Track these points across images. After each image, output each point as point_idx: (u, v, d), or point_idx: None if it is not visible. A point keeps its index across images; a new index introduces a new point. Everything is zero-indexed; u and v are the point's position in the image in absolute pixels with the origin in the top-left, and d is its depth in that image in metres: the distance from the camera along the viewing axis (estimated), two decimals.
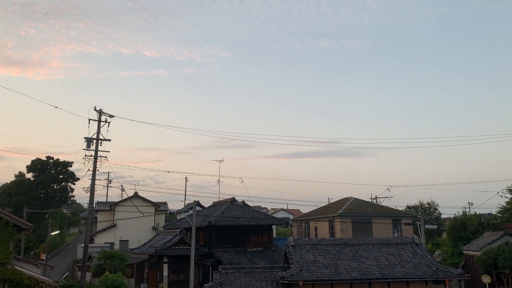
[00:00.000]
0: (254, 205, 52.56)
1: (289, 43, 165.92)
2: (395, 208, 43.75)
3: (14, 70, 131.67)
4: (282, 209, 73.58)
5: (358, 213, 39.27)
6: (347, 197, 43.94)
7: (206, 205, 47.73)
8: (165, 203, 57.45)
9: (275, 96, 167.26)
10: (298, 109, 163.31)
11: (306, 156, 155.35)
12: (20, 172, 54.37)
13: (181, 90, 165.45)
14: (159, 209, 51.03)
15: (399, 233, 38.56)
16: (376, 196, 51.96)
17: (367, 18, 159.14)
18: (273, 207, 75.32)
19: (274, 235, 45.98)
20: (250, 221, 35.30)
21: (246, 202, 43.43)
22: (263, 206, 70.84)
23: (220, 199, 44.71)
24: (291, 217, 61.97)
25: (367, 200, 48.00)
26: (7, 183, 55.32)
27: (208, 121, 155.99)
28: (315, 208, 47.26)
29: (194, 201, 31.92)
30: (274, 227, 44.54)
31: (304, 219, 45.77)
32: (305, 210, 60.82)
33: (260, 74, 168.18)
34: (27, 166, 53.86)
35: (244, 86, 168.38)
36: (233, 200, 39.33)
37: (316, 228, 42.29)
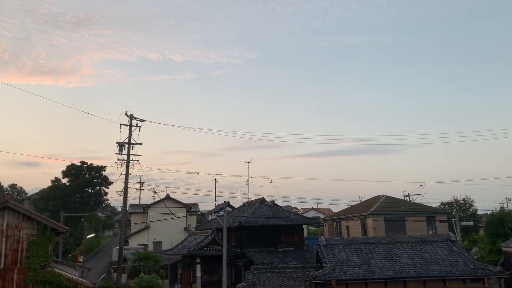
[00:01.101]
0: (284, 205, 52.48)
1: (313, 41, 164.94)
2: (428, 205, 42.76)
3: (47, 79, 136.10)
4: (312, 209, 73.15)
5: (391, 211, 38.59)
6: (379, 195, 43.25)
7: (236, 206, 47.96)
8: (196, 205, 58.10)
9: (301, 94, 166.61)
10: (326, 107, 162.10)
11: (335, 154, 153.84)
12: (56, 178, 56.02)
13: (207, 93, 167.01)
14: (190, 210, 51.65)
15: (434, 231, 37.68)
16: (408, 193, 50.92)
17: (393, 12, 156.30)
18: (303, 207, 74.95)
19: (305, 234, 45.76)
20: (280, 221, 35.26)
21: (276, 202, 43.41)
22: (293, 206, 70.52)
23: (250, 200, 44.85)
24: (322, 216, 61.49)
25: (400, 197, 47.11)
26: (44, 188, 57.09)
27: (236, 122, 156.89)
28: (346, 207, 46.79)
29: (224, 202, 32.14)
30: (305, 226, 44.31)
31: (336, 218, 45.35)
32: (336, 209, 60.31)
33: (286, 73, 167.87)
34: (63, 172, 55.44)
35: (270, 86, 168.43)
36: (262, 200, 39.37)
37: (348, 227, 41.83)
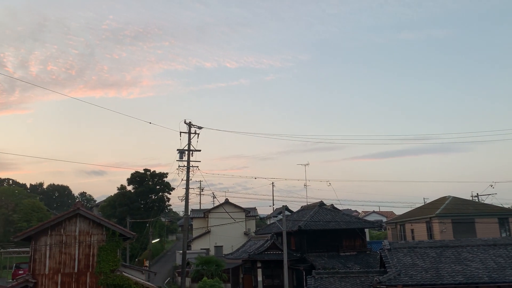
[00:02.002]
0: (344, 208, 51.46)
1: (368, 39, 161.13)
2: (500, 205, 40.13)
3: (110, 91, 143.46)
4: (374, 212, 71.19)
5: (459, 213, 36.61)
6: (445, 196, 41.22)
7: (294, 210, 47.72)
8: (254, 209, 58.51)
9: (358, 94, 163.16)
10: (385, 106, 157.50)
11: (396, 155, 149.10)
12: (121, 185, 58.71)
13: (262, 97, 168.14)
14: (249, 214, 52.07)
15: (507, 233, 35.29)
16: (477, 193, 48.09)
17: (451, 4, 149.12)
18: (364, 210, 73.15)
19: (367, 238, 44.57)
20: (341, 225, 34.62)
21: (335, 206, 42.66)
22: (353, 209, 69.09)
23: (308, 203, 44.43)
24: (384, 219, 59.67)
25: (467, 198, 44.62)
26: (111, 195, 60.02)
27: (291, 126, 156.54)
28: (410, 209, 45.02)
29: (283, 206, 32.09)
30: (366, 230, 43.17)
31: (399, 221, 43.77)
32: (398, 211, 58.24)
33: (340, 73, 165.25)
34: (127, 179, 57.97)
35: (324, 87, 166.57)
36: (321, 203, 38.86)
37: (412, 230, 40.20)
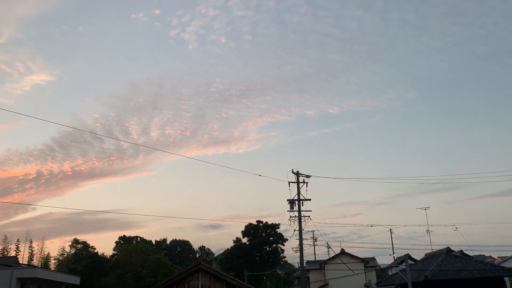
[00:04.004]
0: (475, 254, 46.37)
1: (481, 68, 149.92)
2: None
3: (221, 148, 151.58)
4: None
5: None
6: None
7: (418, 258, 44.25)
8: (373, 259, 55.38)
9: (472, 128, 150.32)
10: (507, 138, 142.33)
11: None
12: (237, 238, 60.25)
13: (369, 140, 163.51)
14: (368, 265, 49.35)
15: None
16: None
17: None
18: (501, 255, 64.80)
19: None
20: (474, 274, 30.93)
21: (465, 252, 38.64)
22: (487, 255, 61.67)
23: (433, 250, 40.84)
24: None
25: None
26: (228, 248, 61.73)
27: (403, 167, 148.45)
28: None
29: (405, 254, 29.89)
30: (506, 279, 37.97)
31: None
32: None
33: (452, 107, 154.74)
34: (242, 231, 59.39)
35: (436, 124, 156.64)
36: (448, 250, 35.42)
37: None
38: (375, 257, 57.73)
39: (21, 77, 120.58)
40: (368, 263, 49.70)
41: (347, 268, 35.95)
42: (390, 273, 55.04)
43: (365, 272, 46.71)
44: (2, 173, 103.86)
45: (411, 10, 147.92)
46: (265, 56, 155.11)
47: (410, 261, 38.90)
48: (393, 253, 62.20)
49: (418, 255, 50.96)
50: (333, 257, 47.46)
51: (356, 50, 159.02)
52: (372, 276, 49.63)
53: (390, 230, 65.89)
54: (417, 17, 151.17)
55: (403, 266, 33.90)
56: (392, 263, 60.41)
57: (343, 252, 46.97)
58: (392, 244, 63.17)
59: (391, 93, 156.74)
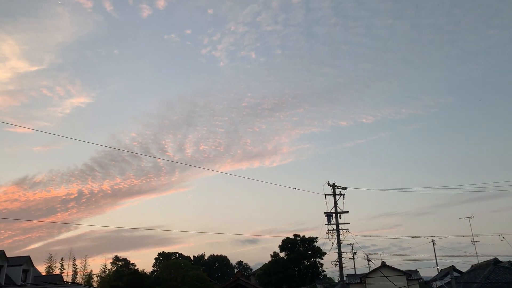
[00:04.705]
0: None
1: None
2: None
3: (255, 162, 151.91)
4: None
5: None
6: None
7: (463, 269, 42.53)
8: (416, 271, 53.62)
9: None
10: None
11: None
12: (274, 252, 59.85)
13: (405, 149, 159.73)
14: (411, 278, 47.83)
15: None
16: None
17: None
18: None
19: None
20: None
21: None
22: None
23: (479, 262, 39.15)
24: None
25: None
26: (265, 263, 61.37)
27: (443, 176, 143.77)
28: None
29: (450, 266, 28.78)
30: None
31: None
32: None
33: (492, 111, 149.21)
34: (279, 246, 58.95)
35: (475, 130, 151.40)
36: (496, 261, 33.89)
37: None
38: (418, 270, 55.88)
39: (62, 100, 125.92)
40: (410, 275, 48.15)
41: (389, 281, 34.98)
42: (434, 286, 53.05)
43: (407, 285, 45.23)
44: (46, 194, 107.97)
45: (443, 15, 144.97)
46: (296, 69, 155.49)
47: (455, 273, 37.39)
48: (437, 265, 59.97)
49: (463, 267, 48.96)
50: (374, 270, 46.28)
51: (388, 58, 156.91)
52: None
53: (433, 241, 63.62)
54: (450, 22, 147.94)
55: (448, 279, 32.69)
56: (436, 275, 58.23)
57: (384, 265, 45.74)
58: (435, 255, 60.98)
59: (427, 100, 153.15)
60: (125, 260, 62.36)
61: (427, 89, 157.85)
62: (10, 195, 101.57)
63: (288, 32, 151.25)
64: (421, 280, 56.23)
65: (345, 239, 29.86)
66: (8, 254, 35.48)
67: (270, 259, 60.16)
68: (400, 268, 47.13)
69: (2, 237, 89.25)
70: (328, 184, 30.12)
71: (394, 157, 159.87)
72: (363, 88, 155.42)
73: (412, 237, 41.55)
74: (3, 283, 33.86)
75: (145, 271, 63.06)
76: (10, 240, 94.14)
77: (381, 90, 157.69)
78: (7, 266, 35.14)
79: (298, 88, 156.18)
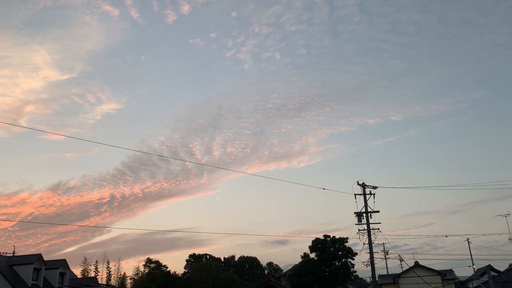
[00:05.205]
0: None
1: None
2: None
3: (282, 163, 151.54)
4: None
5: None
6: None
7: (500, 269, 41.19)
8: (451, 271, 52.24)
9: None
10: None
11: None
12: (304, 253, 59.47)
13: (436, 146, 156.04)
14: (445, 277, 46.61)
15: None
16: None
17: None
18: None
19: None
20: None
21: None
22: None
23: None
24: None
25: None
26: (296, 264, 61.08)
27: (476, 173, 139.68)
28: None
29: (487, 265, 27.94)
30: None
31: None
32: None
33: None
34: (309, 247, 58.54)
35: (509, 124, 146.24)
36: None
37: None
38: (453, 269, 54.47)
39: (92, 107, 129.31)
40: (445, 275, 46.94)
41: (423, 281, 34.21)
42: (471, 286, 51.66)
43: (442, 285, 44.11)
44: (79, 198, 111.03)
45: (470, 7, 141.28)
46: (321, 68, 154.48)
47: (492, 273, 36.25)
48: (473, 265, 58.38)
49: (500, 266, 47.51)
50: (407, 270, 45.37)
51: (415, 54, 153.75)
52: None
53: (468, 239, 61.95)
54: (479, 14, 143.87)
55: (485, 278, 31.74)
56: (473, 275, 56.60)
57: (417, 265, 44.77)
58: (471, 254, 59.34)
59: (457, 95, 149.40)
60: (157, 262, 63.31)
61: (456, 84, 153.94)
62: (46, 201, 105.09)
63: (312, 31, 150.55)
64: (456, 280, 54.75)
65: (377, 239, 29.43)
66: (45, 258, 36.69)
67: (300, 260, 59.89)
68: (434, 268, 46.05)
69: (39, 241, 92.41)
70: (358, 184, 29.80)
71: (425, 155, 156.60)
72: (390, 85, 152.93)
73: (446, 236, 40.53)
74: (41, 286, 34.99)
75: (176, 273, 63.88)
76: (46, 244, 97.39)
77: (408, 87, 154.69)
78: (45, 269, 36.31)
79: (324, 87, 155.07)
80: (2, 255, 37.44)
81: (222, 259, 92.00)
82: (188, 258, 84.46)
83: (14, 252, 43.10)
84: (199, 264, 63.25)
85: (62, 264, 38.63)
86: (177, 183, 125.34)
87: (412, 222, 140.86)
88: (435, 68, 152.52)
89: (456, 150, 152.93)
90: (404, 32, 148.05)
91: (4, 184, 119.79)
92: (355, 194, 29.77)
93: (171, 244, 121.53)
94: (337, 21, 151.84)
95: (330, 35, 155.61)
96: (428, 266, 45.72)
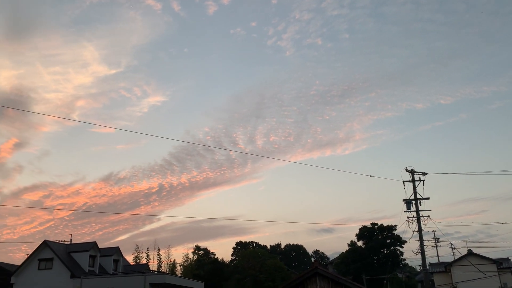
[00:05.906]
0: None
1: None
2: None
3: (326, 151, 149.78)
4: None
5: None
6: None
7: None
8: (507, 259, 49.96)
9: None
10: None
11: None
12: (351, 241, 58.86)
13: (489, 129, 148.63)
14: (501, 266, 44.70)
15: None
16: None
17: None
18: None
19: None
20: None
21: None
22: None
23: None
24: None
25: None
26: (342, 252, 60.57)
27: None
28: None
29: None
30: None
31: None
32: None
33: None
34: (356, 235, 57.87)
35: None
36: None
37: None
38: (510, 258, 52.08)
39: (139, 100, 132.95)
40: (501, 264, 44.98)
41: (477, 270, 32.96)
42: None
43: (498, 275, 42.32)
44: (130, 188, 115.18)
45: None
46: (365, 52, 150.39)
47: None
48: None
49: None
50: (460, 259, 43.86)
51: (466, 34, 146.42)
52: (508, 279, 44.72)
53: None
54: None
55: None
56: None
57: (470, 253, 43.18)
58: None
59: (511, 76, 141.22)
60: (205, 249, 64.69)
61: (510, 64, 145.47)
62: (98, 191, 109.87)
63: (355, 15, 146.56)
64: None
65: (426, 227, 28.68)
66: (99, 246, 38.45)
67: (347, 248, 59.38)
68: (489, 256, 44.25)
69: (93, 230, 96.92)
70: (406, 170, 28.94)
71: (477, 139, 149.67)
72: (439, 67, 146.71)
73: (502, 223, 38.67)
74: (97, 272, 36.78)
75: (224, 260, 65.07)
76: (100, 233, 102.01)
77: (458, 68, 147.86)
78: (100, 256, 38.06)
79: (368, 71, 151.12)
80: (61, 243, 39.59)
81: (268, 247, 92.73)
82: (234, 245, 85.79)
83: (71, 240, 45.47)
84: (246, 251, 64.08)
85: (115, 252, 40.33)
86: (222, 172, 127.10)
87: (464, 209, 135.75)
88: (487, 47, 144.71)
89: (510, 134, 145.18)
90: (453, 11, 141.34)
91: (60, 175, 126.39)
92: (403, 181, 28.97)
93: (217, 232, 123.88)
94: (380, 3, 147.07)
95: (374, 18, 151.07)
96: (483, 255, 44.01)
